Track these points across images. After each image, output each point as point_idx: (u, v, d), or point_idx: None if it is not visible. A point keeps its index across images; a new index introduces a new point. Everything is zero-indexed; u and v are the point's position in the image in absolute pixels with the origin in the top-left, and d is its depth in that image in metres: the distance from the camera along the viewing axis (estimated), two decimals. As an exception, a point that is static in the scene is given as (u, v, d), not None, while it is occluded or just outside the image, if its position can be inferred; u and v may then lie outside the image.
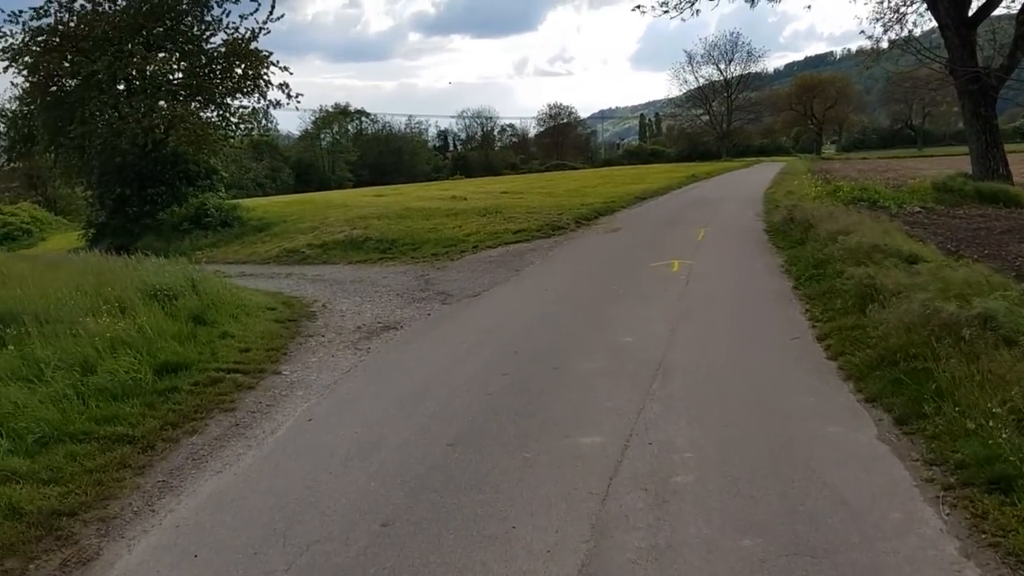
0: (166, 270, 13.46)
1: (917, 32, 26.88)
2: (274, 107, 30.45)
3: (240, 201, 31.77)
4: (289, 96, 29.32)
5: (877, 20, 25.84)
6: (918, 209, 21.11)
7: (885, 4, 25.33)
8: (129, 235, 26.79)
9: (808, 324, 9.86)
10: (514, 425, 6.84)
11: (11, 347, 8.87)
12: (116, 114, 27.73)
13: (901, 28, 26.57)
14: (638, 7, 25.18)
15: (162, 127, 27.93)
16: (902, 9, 25.35)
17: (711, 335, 9.66)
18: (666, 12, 24.67)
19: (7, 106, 31.18)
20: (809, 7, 78.05)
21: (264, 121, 78.55)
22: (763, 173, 50.18)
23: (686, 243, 17.84)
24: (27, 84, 27.68)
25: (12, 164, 31.97)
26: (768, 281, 12.99)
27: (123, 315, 10.32)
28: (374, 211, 26.11)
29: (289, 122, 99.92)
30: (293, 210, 28.87)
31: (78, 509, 5.55)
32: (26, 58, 26.94)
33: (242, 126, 30.76)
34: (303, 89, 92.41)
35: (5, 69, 27.12)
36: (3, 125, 28.83)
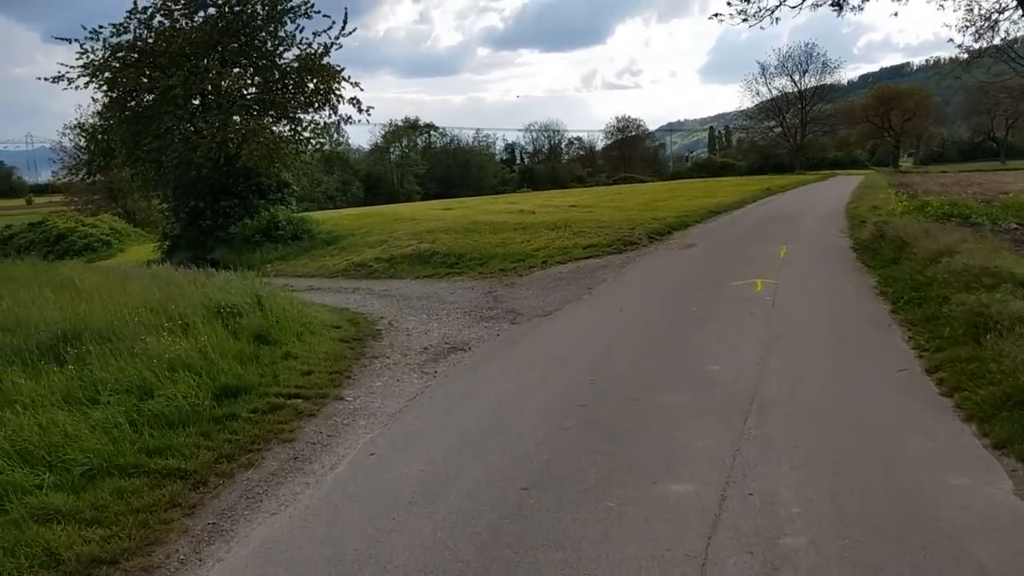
0: (232, 285, 13.17)
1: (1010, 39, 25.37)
2: (345, 122, 30.42)
3: (310, 214, 31.78)
4: (360, 110, 29.16)
5: (967, 28, 24.47)
6: (1015, 226, 19.76)
7: (976, 11, 23.99)
8: (202, 247, 26.93)
9: (914, 354, 8.93)
10: (594, 466, 6.15)
11: (71, 367, 8.54)
12: (191, 128, 27.95)
13: (993, 35, 25.12)
14: (716, 15, 24.68)
15: (236, 141, 28.04)
16: (994, 16, 23.96)
17: (806, 364, 8.81)
18: (744, 20, 23.67)
19: (89, 121, 31.80)
20: (896, 14, 74.47)
21: (336, 135, 79.96)
22: (841, 187, 48.45)
23: (768, 261, 16.88)
24: (106, 99, 28.07)
25: (92, 178, 32.51)
26: (862, 304, 12.02)
27: (185, 334, 9.96)
28: (441, 225, 25.69)
29: (360, 136, 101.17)
30: (362, 223, 28.67)
31: (120, 556, 5.05)
32: (106, 74, 27.32)
33: (313, 140, 30.77)
34: (374, 103, 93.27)
35: (86, 84, 27.56)
36: (84, 140, 29.26)
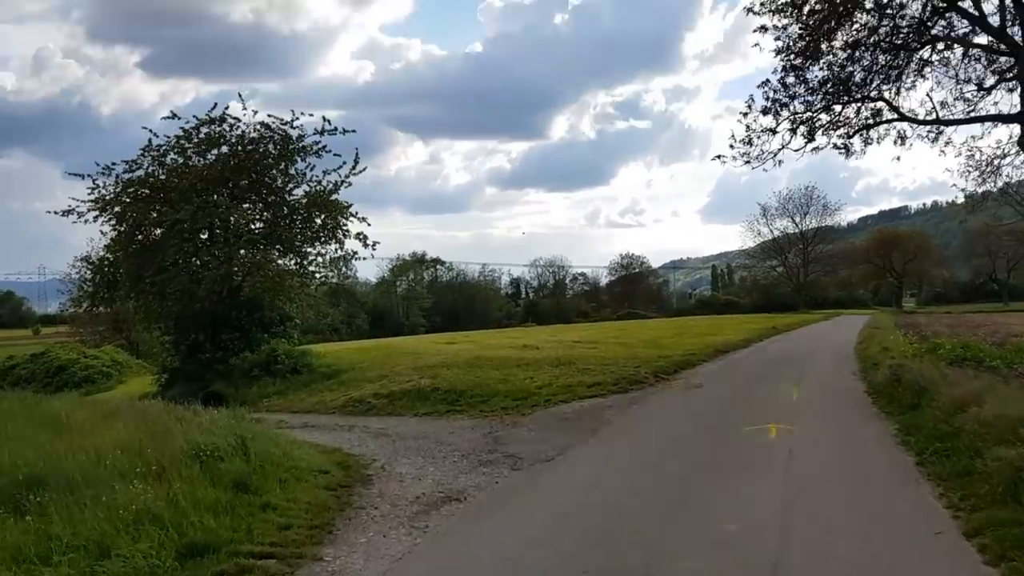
0: (220, 424, 12.45)
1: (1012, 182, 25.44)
2: (351, 257, 30.38)
3: (311, 347, 31.26)
4: (366, 245, 29.21)
5: (969, 173, 24.56)
6: (1032, 370, 19.03)
7: (977, 156, 24.10)
8: (200, 380, 26.31)
9: (948, 514, 8.09)
10: (600, 652, 5.30)
11: (30, 518, 7.75)
12: (197, 261, 27.88)
13: (995, 180, 25.18)
14: (719, 157, 24.51)
15: (240, 274, 27.89)
16: (996, 161, 24.06)
17: (832, 524, 7.96)
18: (747, 163, 23.81)
19: (98, 254, 31.81)
20: (898, 158, 76.49)
21: (344, 268, 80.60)
22: (846, 326, 47.98)
23: (780, 404, 16.13)
24: (114, 233, 28.11)
25: (96, 309, 32.30)
26: (885, 454, 11.21)
27: (159, 480, 9.20)
28: (444, 359, 25.07)
29: (367, 269, 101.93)
30: (363, 357, 28.07)
31: None
32: (116, 208, 27.47)
33: (319, 274, 30.66)
34: (383, 239, 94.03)
35: (95, 218, 27.68)
36: (90, 272, 29.16)
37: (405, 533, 8.37)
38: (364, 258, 30.19)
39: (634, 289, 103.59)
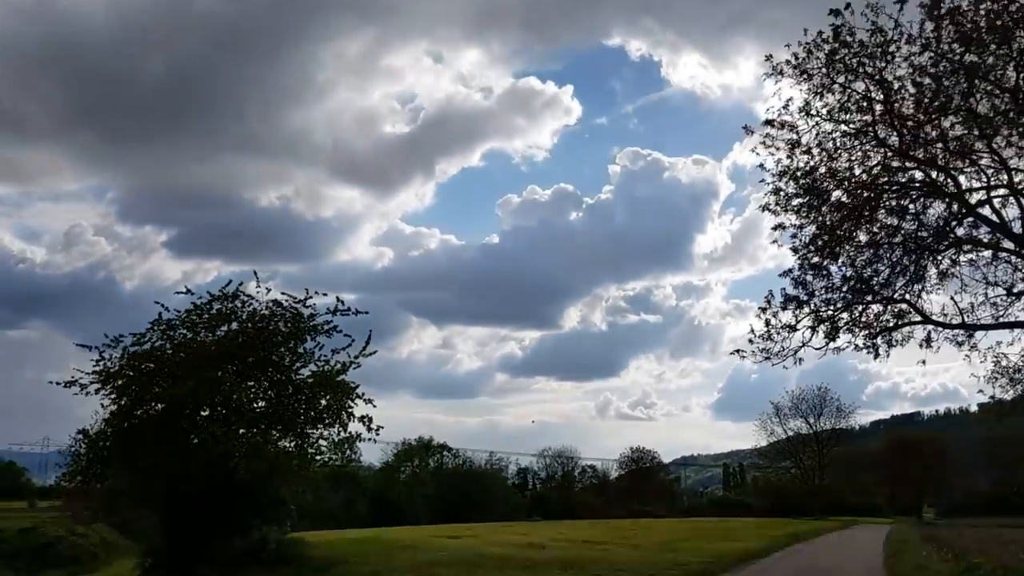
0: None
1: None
2: (354, 440, 29.06)
3: (303, 535, 29.35)
4: (369, 428, 27.91)
5: (997, 379, 23.55)
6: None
7: (1004, 362, 23.17)
8: (184, 567, 24.46)
9: None
10: None
11: None
12: (194, 439, 26.64)
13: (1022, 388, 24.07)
14: (738, 351, 23.68)
15: (238, 455, 26.54)
16: (1024, 370, 23.08)
17: None
18: (767, 359, 22.89)
19: (98, 427, 30.55)
20: (923, 362, 74.65)
21: (348, 451, 78.58)
22: (869, 538, 44.99)
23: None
24: (114, 407, 27.03)
25: (86, 485, 30.54)
26: None
27: None
28: (444, 556, 23.28)
29: (371, 452, 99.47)
30: (358, 548, 26.27)
31: None
32: (119, 381, 26.57)
33: (319, 457, 29.19)
34: (391, 421, 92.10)
35: (97, 391, 26.69)
36: (84, 447, 27.76)
37: None
38: (369, 439, 28.94)
39: (644, 485, 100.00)
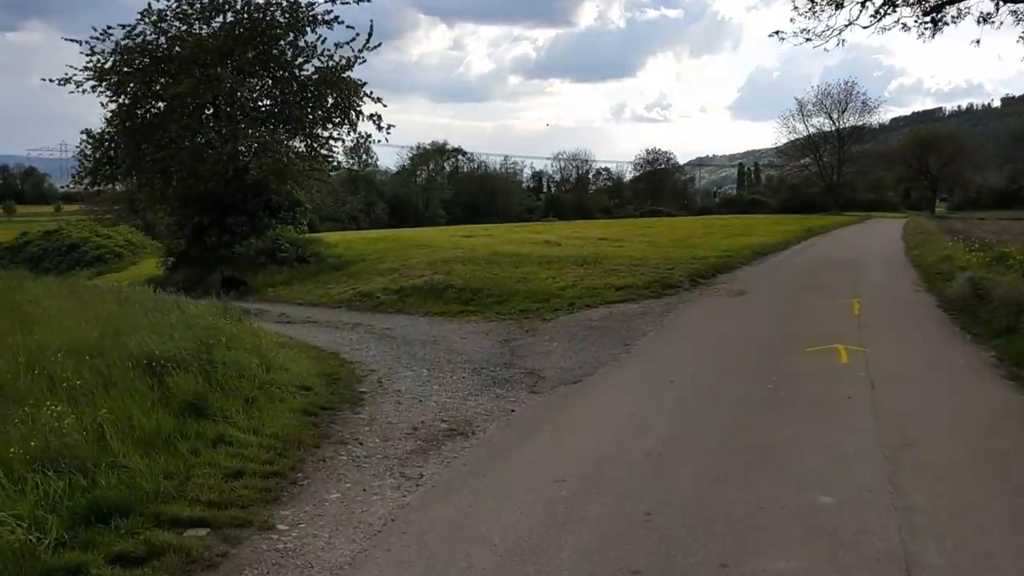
0: (195, 322, 10.40)
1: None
2: (363, 140, 27.96)
3: (322, 235, 29.21)
4: (379, 127, 26.68)
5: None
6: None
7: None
8: (205, 265, 24.49)
9: None
10: None
11: None
12: (201, 139, 25.63)
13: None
14: (777, 33, 21.55)
15: (246, 155, 25.64)
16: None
17: (964, 496, 5.83)
18: (808, 40, 20.85)
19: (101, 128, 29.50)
20: (977, 42, 69.23)
21: (364, 156, 77.80)
22: (886, 231, 44.89)
23: (841, 318, 13.83)
24: (113, 105, 25.73)
25: (97, 187, 30.11)
26: (992, 389, 8.99)
27: (94, 397, 7.19)
28: (460, 254, 22.88)
29: (387, 158, 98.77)
30: (376, 247, 25.96)
31: None
32: (113, 78, 25.02)
33: (330, 158, 28.25)
34: (404, 127, 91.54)
35: (93, 88, 25.27)
36: (90, 147, 26.85)
37: (392, 485, 6.31)
38: (378, 141, 27.93)
39: (659, 186, 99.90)
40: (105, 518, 5.13)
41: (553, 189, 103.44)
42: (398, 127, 26.69)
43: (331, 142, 27.33)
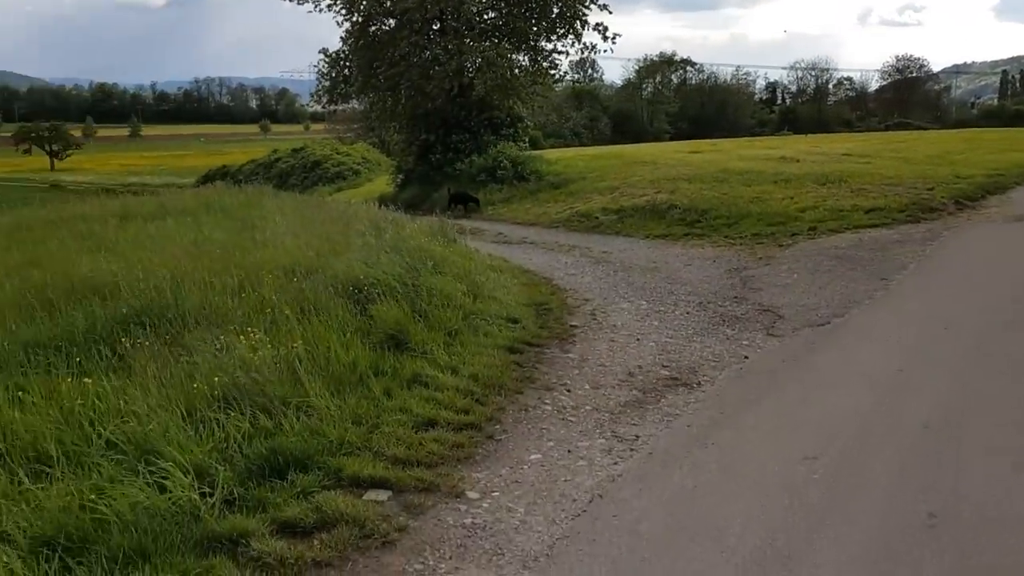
0: (409, 243, 9.85)
1: None
2: (587, 51, 26.68)
3: (542, 152, 28.40)
4: (605, 38, 25.33)
5: None
6: None
7: None
8: (430, 183, 24.61)
9: None
10: None
11: (108, 377, 5.47)
12: (427, 55, 25.48)
13: None
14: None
15: (471, 70, 25.19)
16: None
17: None
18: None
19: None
20: None
21: (589, 70, 75.98)
22: None
23: None
24: (347, 24, 26.21)
25: (333, 106, 31.15)
26: None
27: (299, 324, 6.75)
28: (686, 171, 21.15)
29: (612, 71, 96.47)
30: (596, 165, 24.74)
31: None
32: (345, -5, 25.42)
33: (553, 72, 27.27)
34: (631, 39, 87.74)
35: (329, 7, 25.90)
36: (326, 66, 27.60)
37: (602, 447, 5.31)
38: (603, 52, 26.49)
39: (908, 97, 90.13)
40: (282, 471, 4.55)
41: (788, 101, 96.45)
42: (624, 39, 25.18)
43: (555, 55, 26.46)
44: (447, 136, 25.51)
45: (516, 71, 25.75)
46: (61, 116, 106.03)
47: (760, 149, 30.85)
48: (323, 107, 31.32)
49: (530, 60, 26.47)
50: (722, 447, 5.29)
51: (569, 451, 5.25)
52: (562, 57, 26.76)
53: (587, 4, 25.12)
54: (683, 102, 78.61)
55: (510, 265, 12.22)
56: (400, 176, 28.27)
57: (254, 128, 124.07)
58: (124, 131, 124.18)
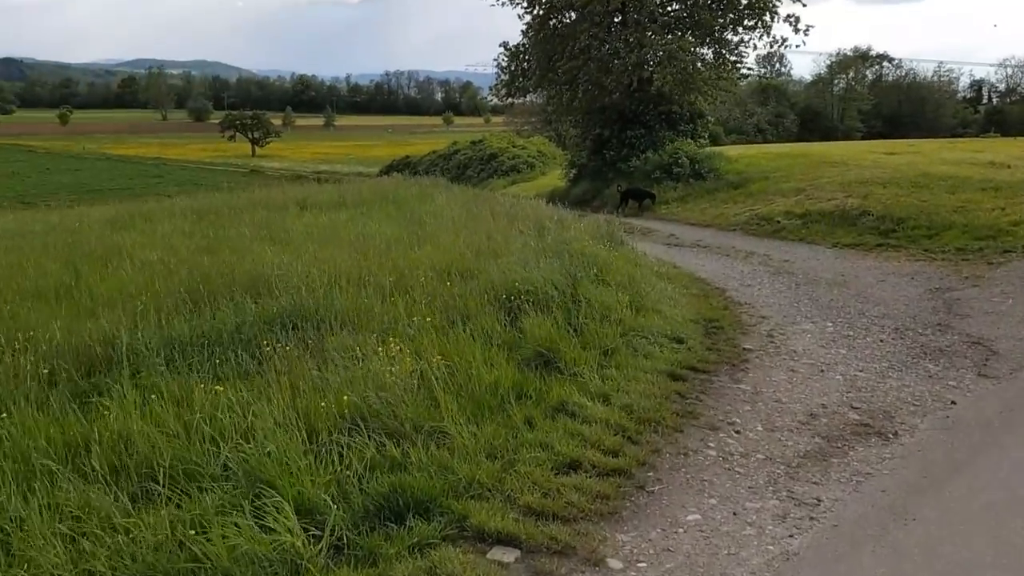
0: (560, 249, 9.14)
1: None
2: (777, 44, 24.95)
3: (722, 149, 26.83)
4: (797, 30, 23.59)
5: None
6: None
7: None
8: (603, 179, 23.88)
9: None
10: None
11: (224, 388, 5.09)
12: (607, 48, 24.67)
13: None
14: None
15: (651, 63, 24.14)
16: None
17: None
18: None
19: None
20: None
21: (777, 64, 72.22)
22: None
23: None
24: (528, 17, 25.91)
25: (511, 99, 30.97)
26: None
27: (446, 332, 6.23)
28: (880, 174, 19.14)
29: (802, 66, 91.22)
30: (780, 164, 22.97)
31: None
32: (528, -11, 25.10)
33: (739, 65, 25.70)
34: (823, 33, 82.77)
35: (511, 1, 25.72)
36: (505, 59, 27.42)
37: (774, 514, 4.39)
38: (796, 45, 24.66)
39: None
40: (400, 514, 3.98)
41: (995, 101, 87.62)
42: (817, 30, 23.25)
43: (741, 48, 24.94)
44: (622, 131, 24.63)
45: (699, 65, 24.49)
46: (264, 105, 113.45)
47: (964, 152, 27.65)
48: (501, 100, 31.21)
49: (714, 54, 25.10)
50: (927, 525, 4.25)
51: (735, 513, 4.38)
52: (749, 50, 25.26)
53: (779, -5, 23.47)
54: (877, 99, 73.08)
55: (680, 272, 11.31)
56: (573, 171, 27.67)
57: (437, 120, 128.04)
58: (319, 121, 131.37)
